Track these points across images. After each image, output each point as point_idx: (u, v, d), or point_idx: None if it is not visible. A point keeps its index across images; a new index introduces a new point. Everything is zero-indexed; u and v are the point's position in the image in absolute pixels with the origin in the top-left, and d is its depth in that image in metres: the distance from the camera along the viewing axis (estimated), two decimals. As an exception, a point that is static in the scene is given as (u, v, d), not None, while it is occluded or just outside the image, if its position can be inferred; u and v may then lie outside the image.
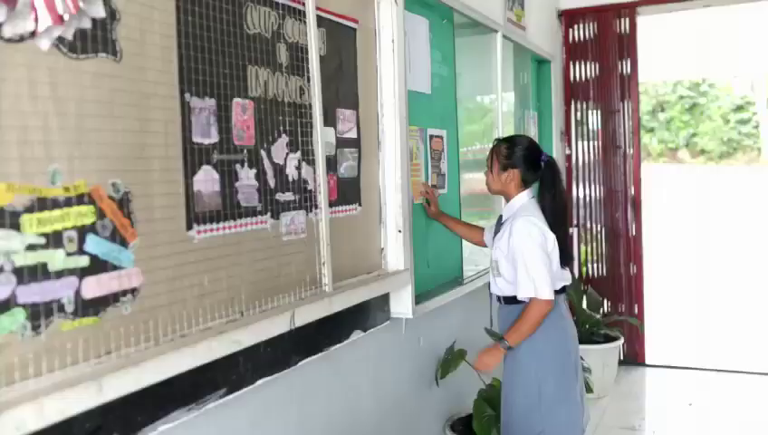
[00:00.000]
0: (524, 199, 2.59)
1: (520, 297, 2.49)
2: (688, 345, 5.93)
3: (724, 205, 17.41)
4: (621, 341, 4.90)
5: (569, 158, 5.49)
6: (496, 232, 2.65)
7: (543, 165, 2.59)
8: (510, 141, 2.65)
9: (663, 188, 18.39)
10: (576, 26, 5.44)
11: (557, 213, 2.56)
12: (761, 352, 5.63)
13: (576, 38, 5.46)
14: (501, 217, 2.69)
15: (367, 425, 2.58)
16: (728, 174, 23.19)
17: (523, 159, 2.58)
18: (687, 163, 25.41)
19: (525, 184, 2.60)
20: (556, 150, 5.16)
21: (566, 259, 2.58)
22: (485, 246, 2.96)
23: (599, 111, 5.44)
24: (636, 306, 5.36)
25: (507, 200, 2.66)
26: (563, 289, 2.59)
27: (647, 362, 5.34)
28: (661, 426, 4.17)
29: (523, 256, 2.47)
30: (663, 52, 8.54)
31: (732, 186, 20.64)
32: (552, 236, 2.50)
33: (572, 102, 5.48)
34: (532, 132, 4.72)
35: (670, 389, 4.85)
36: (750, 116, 25.40)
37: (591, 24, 5.40)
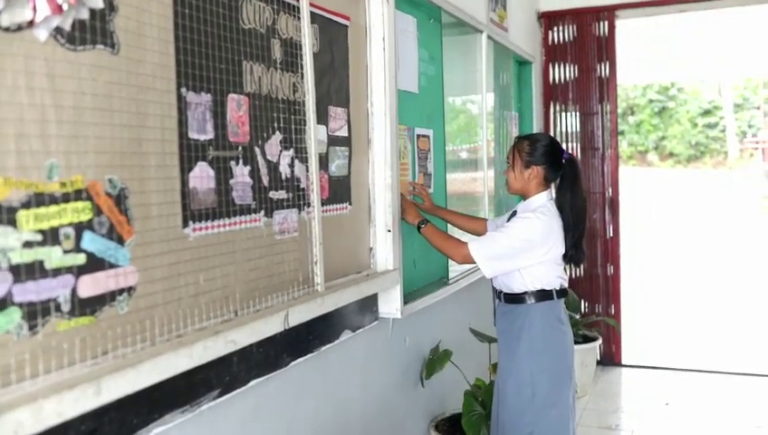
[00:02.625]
0: (543, 200, 2.57)
1: (469, 243, 2.52)
2: (661, 346, 6.01)
3: (693, 207, 17.71)
4: (600, 341, 4.95)
5: (547, 159, 5.51)
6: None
7: (565, 162, 2.58)
8: (531, 138, 2.62)
9: (634, 190, 18.62)
10: (555, 28, 5.47)
11: (576, 211, 2.55)
12: (733, 351, 5.73)
13: (555, 40, 5.48)
14: (515, 212, 2.68)
15: (355, 426, 2.56)
16: (696, 177, 23.58)
17: (546, 156, 2.56)
18: (656, 166, 25.77)
19: (547, 182, 2.59)
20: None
21: (581, 257, 2.59)
22: None
23: (577, 113, 5.48)
24: (612, 307, 5.42)
25: (525, 200, 2.64)
26: (564, 293, 2.59)
27: (622, 362, 5.40)
28: (639, 425, 4.21)
29: (507, 229, 2.50)
30: (634, 56, 8.65)
31: (700, 189, 21.01)
32: (553, 242, 2.50)
33: (551, 104, 5.51)
34: (514, 133, 4.73)
35: (647, 389, 4.90)
36: (717, 120, 25.85)
37: (571, 27, 5.44)
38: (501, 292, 2.63)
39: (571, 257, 2.55)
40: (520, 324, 2.55)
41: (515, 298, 2.57)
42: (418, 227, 2.65)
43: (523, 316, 2.56)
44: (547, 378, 2.54)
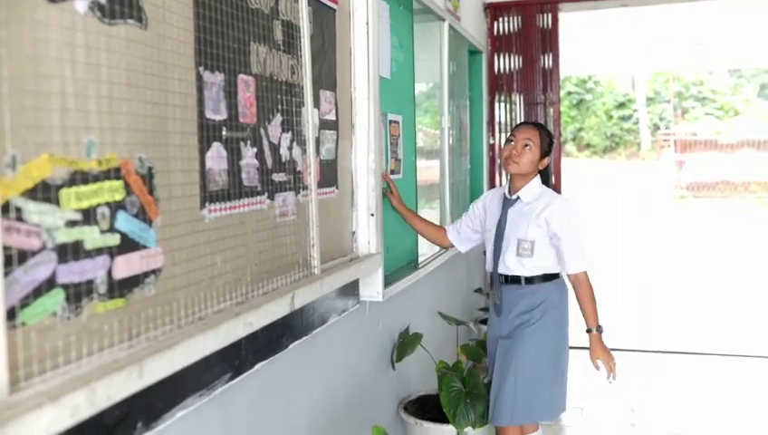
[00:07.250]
0: (540, 182, 2.77)
1: (569, 272, 2.67)
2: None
3: (612, 195, 18.46)
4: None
5: (493, 147, 5.64)
6: (504, 213, 2.76)
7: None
8: (548, 131, 2.80)
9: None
10: (501, 19, 5.58)
11: None
12: (658, 331, 6.05)
13: (501, 31, 5.60)
14: (507, 198, 2.79)
15: (340, 409, 2.57)
16: (612, 167, 24.55)
17: (550, 150, 2.78)
18: (574, 156, 26.65)
19: None
20: (485, 140, 5.31)
21: None
22: (449, 246, 3.12)
23: (521, 103, 5.62)
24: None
25: (516, 181, 2.76)
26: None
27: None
28: (588, 402, 4.39)
29: (575, 233, 2.66)
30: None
31: (616, 178, 21.90)
32: None
33: (497, 93, 5.63)
34: (465, 122, 4.82)
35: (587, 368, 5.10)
36: (631, 113, 26.96)
37: (515, 18, 5.56)
38: (520, 276, 2.73)
39: None
40: (550, 301, 2.73)
41: (545, 278, 2.74)
42: (600, 330, 2.82)
43: (550, 294, 2.74)
44: (563, 350, 2.78)
